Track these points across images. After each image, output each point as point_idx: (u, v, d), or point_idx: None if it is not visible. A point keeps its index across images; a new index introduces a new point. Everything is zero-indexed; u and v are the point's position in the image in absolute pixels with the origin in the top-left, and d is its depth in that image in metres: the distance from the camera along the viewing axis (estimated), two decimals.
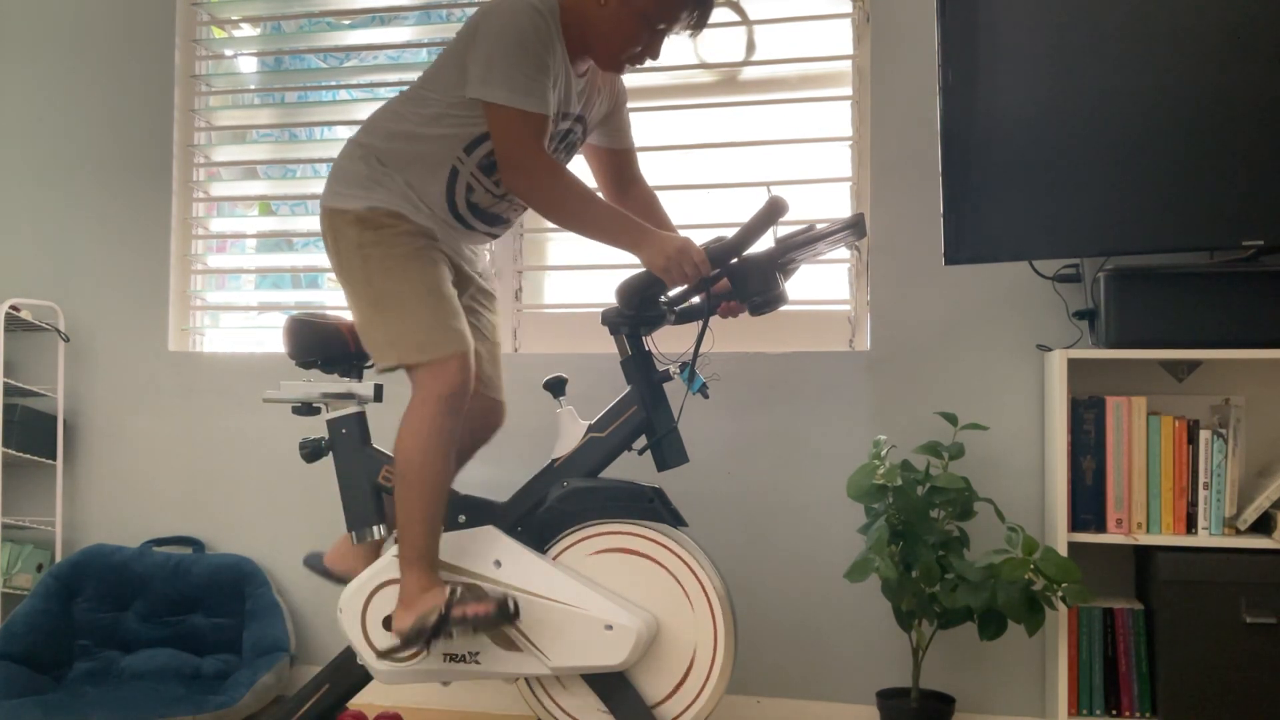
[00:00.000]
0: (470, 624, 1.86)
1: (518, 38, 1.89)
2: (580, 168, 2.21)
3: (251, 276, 3.17)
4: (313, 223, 3.04)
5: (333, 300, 3.05)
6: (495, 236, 2.18)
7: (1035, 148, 2.19)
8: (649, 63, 2.04)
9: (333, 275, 3.02)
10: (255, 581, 2.73)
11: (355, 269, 1.98)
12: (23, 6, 3.12)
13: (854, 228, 1.97)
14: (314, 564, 2.20)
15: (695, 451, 2.50)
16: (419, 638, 1.88)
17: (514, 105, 1.88)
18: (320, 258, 3.04)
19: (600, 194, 2.26)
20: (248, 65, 3.12)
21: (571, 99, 2.04)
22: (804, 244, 1.96)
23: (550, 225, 2.53)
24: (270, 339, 3.03)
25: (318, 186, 3.01)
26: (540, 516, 2.01)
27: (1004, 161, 2.21)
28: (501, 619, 1.87)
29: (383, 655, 1.98)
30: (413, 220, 1.99)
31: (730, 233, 1.97)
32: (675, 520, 1.99)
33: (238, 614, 2.72)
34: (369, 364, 2.15)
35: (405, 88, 2.08)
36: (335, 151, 2.94)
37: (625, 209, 2.23)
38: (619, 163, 2.24)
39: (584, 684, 1.97)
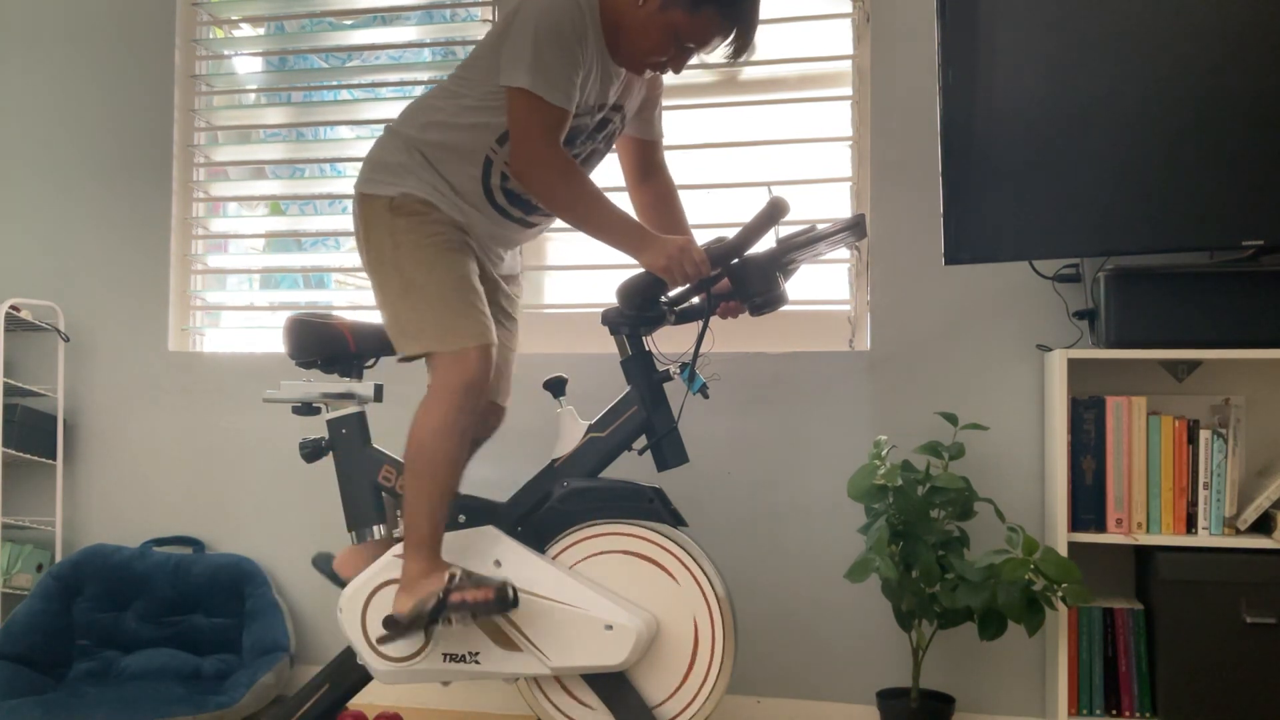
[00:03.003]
0: (468, 609, 1.86)
1: (553, 29, 1.89)
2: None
3: (255, 276, 3.17)
4: (318, 223, 3.05)
5: (340, 300, 3.05)
6: (532, 228, 2.16)
7: (1035, 148, 2.19)
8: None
9: (340, 276, 3.06)
10: (255, 581, 2.73)
11: (385, 254, 1.99)
12: (23, 6, 3.12)
13: (854, 228, 1.97)
14: (322, 566, 2.19)
15: (695, 451, 2.50)
16: (419, 621, 1.88)
17: (536, 92, 1.88)
18: (326, 257, 3.05)
19: (624, 178, 2.27)
20: (248, 65, 3.12)
21: (610, 89, 2.05)
22: (805, 245, 1.97)
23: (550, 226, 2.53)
24: (270, 339, 3.03)
25: (322, 186, 3.04)
26: (540, 516, 2.01)
27: (1004, 161, 2.21)
28: (500, 606, 1.85)
29: (382, 641, 1.97)
30: (444, 211, 2.00)
31: (731, 233, 1.97)
32: (675, 520, 1.99)
33: (238, 614, 2.72)
34: (369, 364, 2.16)
35: (420, 88, 2.09)
36: (336, 151, 3.00)
37: (645, 197, 2.24)
38: (646, 151, 2.25)
39: (584, 684, 1.97)
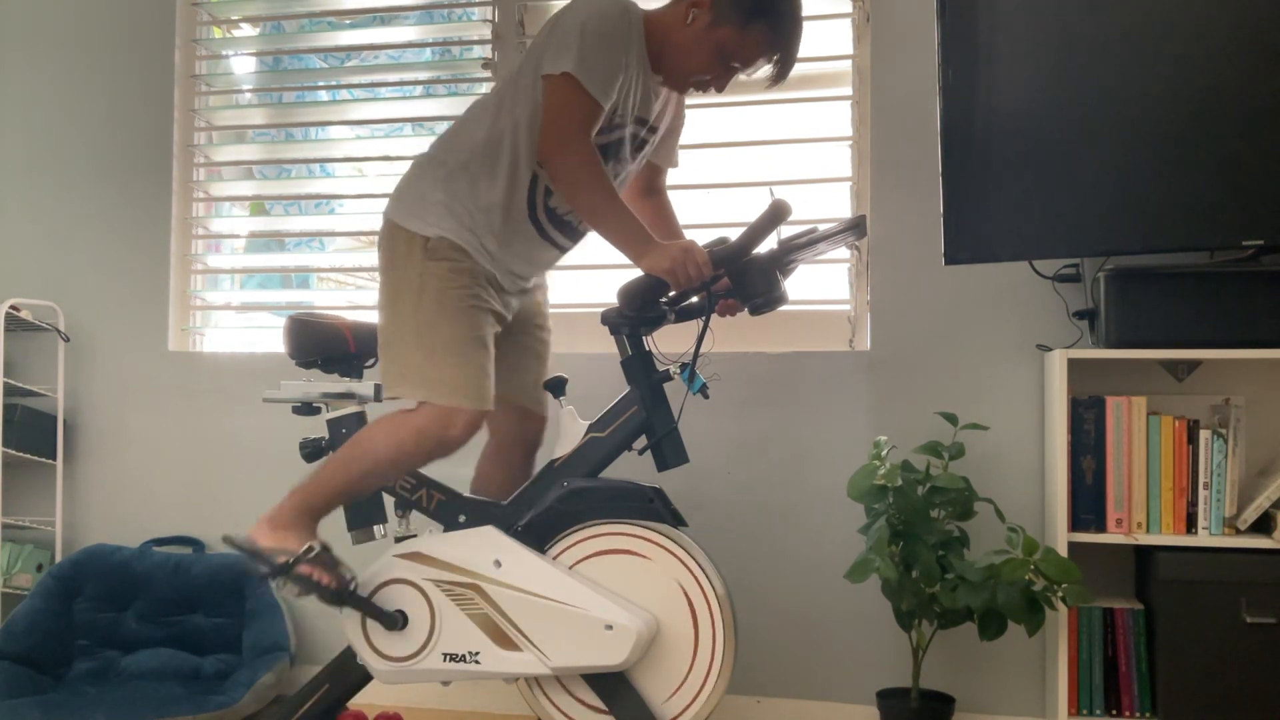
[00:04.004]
0: (306, 585, 1.91)
1: (599, 28, 1.91)
2: None
3: (251, 276, 3.17)
4: (307, 223, 3.05)
5: (323, 300, 3.05)
6: (564, 250, 2.15)
7: (1035, 147, 2.19)
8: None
9: (340, 276, 3.05)
10: (255, 581, 2.72)
11: (408, 293, 1.97)
12: (23, 7, 3.12)
13: (855, 228, 1.98)
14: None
15: (695, 451, 2.51)
16: (258, 560, 1.94)
17: (578, 78, 1.88)
18: (313, 258, 3.04)
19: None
20: (248, 65, 3.12)
21: (651, 105, 2.06)
22: (806, 245, 1.97)
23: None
24: (268, 339, 3.03)
25: (317, 186, 3.03)
26: (541, 517, 2.01)
27: (1004, 161, 2.21)
28: (333, 600, 1.94)
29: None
30: (476, 260, 1.99)
31: (732, 233, 1.97)
32: (675, 520, 1.99)
33: (238, 614, 2.72)
34: (369, 364, 2.16)
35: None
36: (336, 151, 2.99)
37: (643, 213, 2.27)
38: (653, 175, 2.28)
39: (584, 684, 1.97)
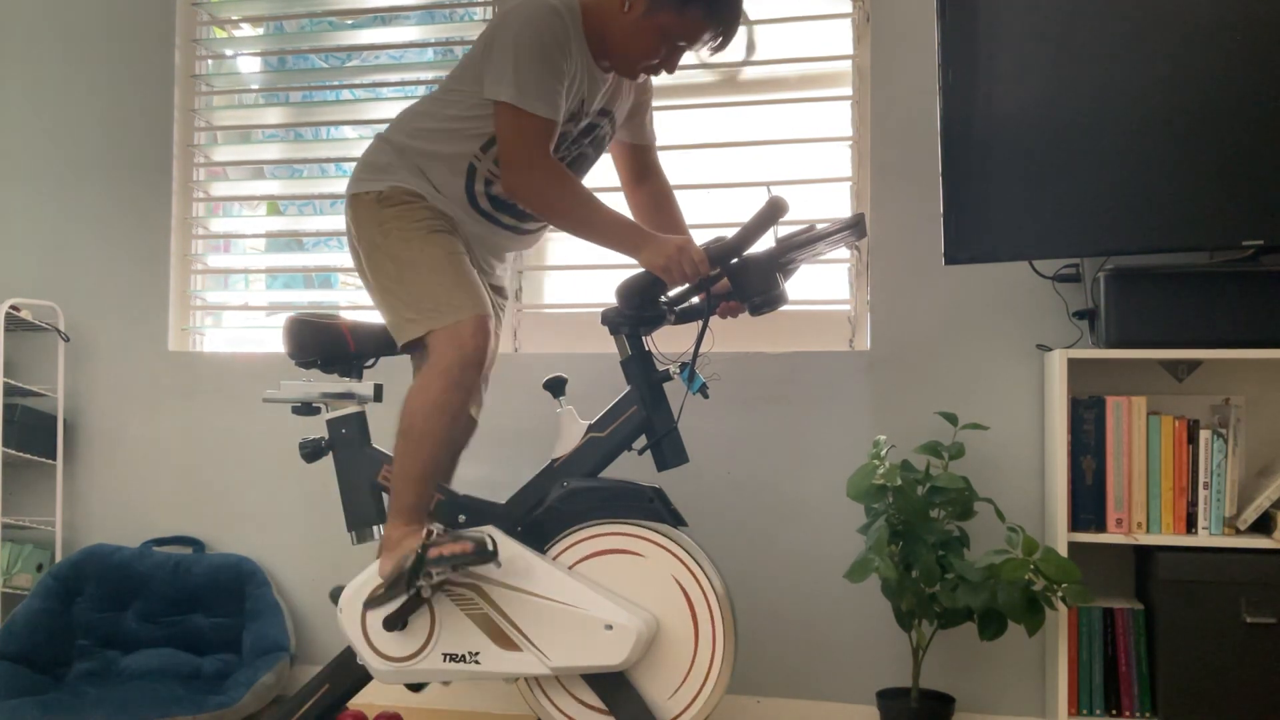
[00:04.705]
0: (448, 563, 1.85)
1: (534, 41, 1.91)
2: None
3: (257, 276, 3.17)
4: (318, 223, 3.05)
5: (345, 300, 3.05)
6: (527, 235, 2.17)
7: (1035, 147, 2.19)
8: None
9: (348, 276, 3.05)
10: (255, 581, 2.73)
11: (376, 244, 2.01)
12: (22, 6, 3.12)
13: (854, 228, 1.97)
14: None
15: (695, 451, 2.50)
16: (400, 581, 1.89)
17: (522, 106, 1.90)
18: (328, 257, 3.05)
19: (620, 183, 2.29)
20: (249, 65, 3.12)
21: (596, 95, 2.06)
22: (804, 244, 1.97)
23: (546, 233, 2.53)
24: (270, 339, 3.03)
25: (321, 186, 3.04)
26: (540, 517, 2.01)
27: (1004, 161, 2.21)
28: (480, 557, 1.85)
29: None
30: (431, 203, 2.03)
31: (731, 233, 1.97)
32: (675, 520, 1.99)
33: (238, 614, 2.72)
34: (369, 364, 2.16)
35: (423, 88, 2.10)
36: (336, 151, 3.00)
37: (640, 199, 2.26)
38: (639, 156, 2.28)
39: (584, 684, 1.97)
